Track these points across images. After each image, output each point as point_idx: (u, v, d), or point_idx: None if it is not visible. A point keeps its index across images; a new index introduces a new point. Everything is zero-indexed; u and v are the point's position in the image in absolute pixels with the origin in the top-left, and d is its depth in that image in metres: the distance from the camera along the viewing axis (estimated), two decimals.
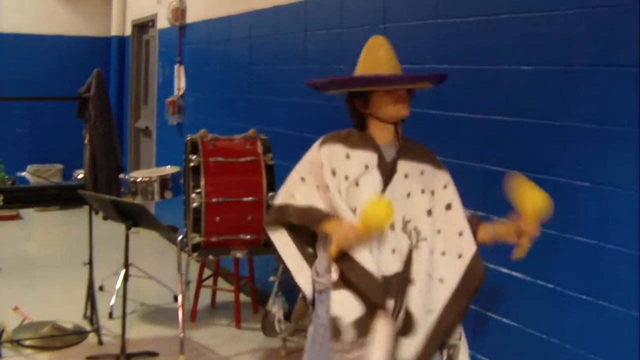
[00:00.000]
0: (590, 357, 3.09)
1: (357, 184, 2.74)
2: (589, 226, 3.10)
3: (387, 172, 2.79)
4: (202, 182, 4.95)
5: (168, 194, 5.50)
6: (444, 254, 2.80)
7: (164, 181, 5.45)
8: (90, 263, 5.22)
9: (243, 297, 5.67)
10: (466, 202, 3.65)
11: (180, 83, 7.96)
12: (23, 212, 8.99)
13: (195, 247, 4.99)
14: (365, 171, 2.76)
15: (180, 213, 5.53)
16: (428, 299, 2.74)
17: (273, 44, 5.91)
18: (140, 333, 5.37)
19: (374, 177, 2.77)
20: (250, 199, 4.98)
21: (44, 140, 10.27)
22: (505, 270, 3.52)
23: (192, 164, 5.00)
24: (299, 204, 2.78)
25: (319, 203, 2.75)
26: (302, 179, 2.82)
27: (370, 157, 2.79)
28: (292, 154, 5.29)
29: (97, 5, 10.89)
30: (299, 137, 5.31)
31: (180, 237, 5.33)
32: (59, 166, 10.15)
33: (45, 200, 5.82)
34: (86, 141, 5.76)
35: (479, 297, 3.66)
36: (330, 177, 2.75)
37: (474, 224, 2.89)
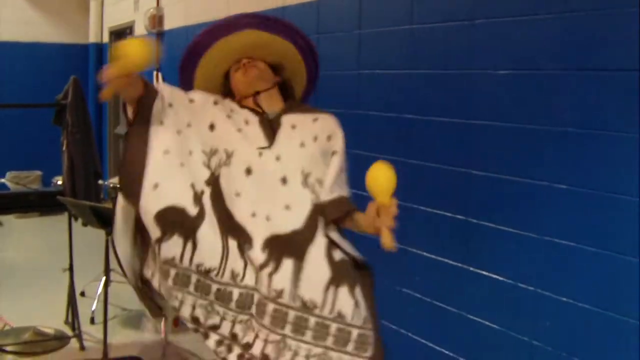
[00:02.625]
0: (562, 354, 3.15)
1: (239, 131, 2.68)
2: (567, 229, 3.14)
3: (271, 126, 2.71)
4: None
5: None
6: None
7: None
8: (71, 269, 5.22)
9: None
10: (448, 206, 3.72)
11: None
12: (2, 218, 8.94)
13: None
14: (245, 125, 2.71)
15: None
16: None
17: None
18: (123, 338, 5.38)
19: (255, 131, 2.69)
20: None
21: (23, 147, 10.24)
22: (485, 273, 3.57)
23: None
24: None
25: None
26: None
27: (249, 115, 2.73)
28: None
29: (74, 12, 10.88)
30: None
31: None
32: (38, 173, 10.11)
33: (24, 207, 5.82)
34: (64, 148, 5.78)
35: (455, 299, 3.74)
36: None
37: (344, 203, 2.71)
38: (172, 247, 2.59)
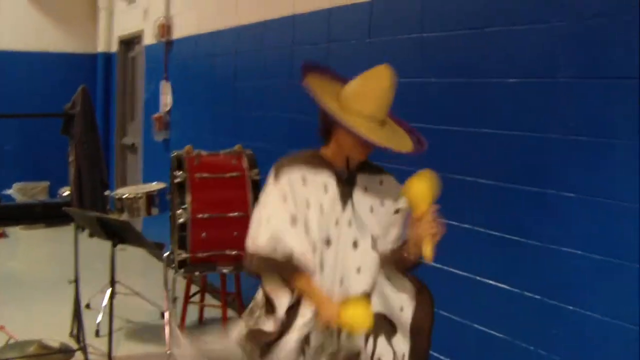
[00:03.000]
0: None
1: (322, 209, 2.66)
2: (575, 237, 3.10)
3: (347, 185, 2.73)
4: (188, 198, 4.93)
5: (154, 211, 5.48)
6: None
7: (150, 197, 5.42)
8: (76, 281, 5.17)
9: (231, 313, 5.62)
10: (456, 215, 3.67)
11: (166, 99, 7.93)
12: (9, 230, 8.92)
13: (182, 264, 4.96)
14: (324, 193, 2.68)
15: (167, 229, 5.50)
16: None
17: (259, 59, 5.90)
18: (127, 350, 5.33)
19: (333, 195, 2.69)
20: (236, 214, 4.95)
21: (30, 157, 10.23)
22: (492, 282, 3.50)
23: (177, 180, 4.98)
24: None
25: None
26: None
27: (327, 178, 2.71)
28: None
29: (83, 21, 10.88)
30: (285, 153, 5.27)
31: (166, 254, 5.30)
32: (45, 183, 10.10)
33: (31, 218, 5.79)
34: (71, 158, 5.74)
35: (461, 308, 3.68)
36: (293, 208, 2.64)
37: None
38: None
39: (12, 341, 5.23)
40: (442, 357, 3.80)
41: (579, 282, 3.08)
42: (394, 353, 2.76)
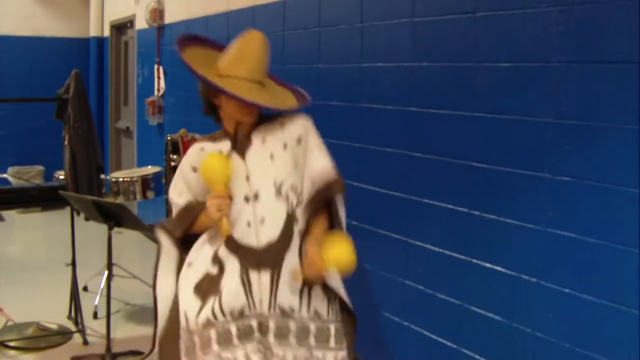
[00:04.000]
0: (565, 345, 3.15)
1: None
2: (569, 220, 3.12)
3: (242, 147, 2.84)
4: None
5: (150, 194, 5.53)
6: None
7: (145, 181, 5.48)
8: (74, 264, 5.23)
9: None
10: (452, 199, 3.72)
11: (159, 83, 7.97)
12: (5, 214, 8.97)
13: None
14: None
15: (162, 213, 5.55)
16: None
17: None
18: (125, 332, 5.39)
19: (233, 159, 2.85)
20: None
21: (25, 141, 10.24)
22: (487, 265, 3.57)
23: (173, 164, 5.03)
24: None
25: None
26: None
27: (224, 144, 2.87)
28: None
29: (75, 6, 10.87)
30: None
31: None
32: (40, 167, 10.13)
33: (26, 202, 5.83)
34: (66, 142, 5.77)
35: (457, 290, 3.74)
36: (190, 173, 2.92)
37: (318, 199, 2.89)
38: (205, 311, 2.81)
39: (10, 323, 5.30)
40: (439, 340, 3.84)
41: (575, 265, 3.10)
42: (329, 301, 2.88)
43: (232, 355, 2.77)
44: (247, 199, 2.78)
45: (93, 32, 10.70)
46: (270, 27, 5.55)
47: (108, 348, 4.61)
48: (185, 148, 5.09)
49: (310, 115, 3.00)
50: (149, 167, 6.00)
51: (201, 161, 2.78)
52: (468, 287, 3.68)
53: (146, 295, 6.00)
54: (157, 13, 7.94)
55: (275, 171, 2.79)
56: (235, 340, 2.78)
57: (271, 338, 2.76)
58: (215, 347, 2.75)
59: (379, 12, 4.27)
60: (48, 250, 7.61)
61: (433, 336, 3.86)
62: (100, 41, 10.66)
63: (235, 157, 2.82)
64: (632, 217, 2.84)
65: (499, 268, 3.49)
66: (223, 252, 2.80)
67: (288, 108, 2.86)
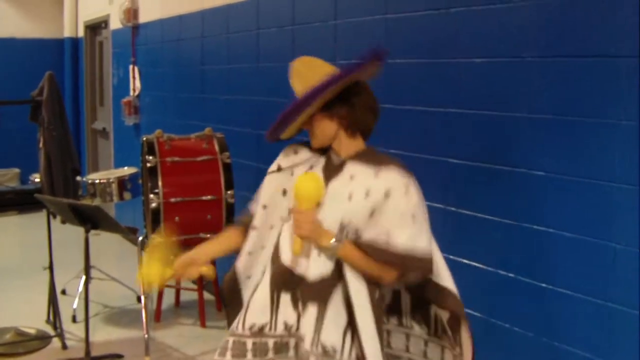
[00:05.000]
0: (542, 340, 3.17)
1: (292, 174, 2.76)
2: (545, 215, 3.14)
3: (331, 171, 2.71)
4: (160, 183, 4.97)
5: (127, 195, 5.50)
6: None
7: (122, 182, 5.44)
8: (51, 267, 5.19)
9: (207, 296, 5.68)
10: (427, 195, 3.71)
11: (135, 83, 7.94)
12: None
13: None
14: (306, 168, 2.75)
15: (140, 214, 5.53)
16: None
17: (225, 43, 5.92)
18: (105, 335, 5.36)
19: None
20: (209, 197, 5.00)
21: (0, 144, 10.16)
22: (465, 261, 3.57)
23: (149, 165, 5.01)
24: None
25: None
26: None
27: (317, 159, 2.75)
28: (249, 151, 5.35)
29: (48, 6, 10.79)
30: (255, 135, 5.34)
31: (140, 238, 5.34)
32: (16, 170, 10.05)
33: (2, 205, 5.78)
34: (41, 145, 5.73)
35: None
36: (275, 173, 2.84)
37: None
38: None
39: None
40: None
41: (551, 259, 3.12)
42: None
43: None
44: None
45: (67, 32, 10.64)
46: (244, 26, 5.55)
47: (87, 352, 4.57)
48: (162, 149, 5.06)
49: (411, 176, 2.70)
50: (126, 168, 5.96)
51: (300, 174, 2.67)
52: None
53: (125, 297, 6.00)
54: (131, 12, 7.90)
55: (349, 212, 2.63)
56: (249, 356, 2.76)
57: None
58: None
59: (351, 9, 4.27)
60: (25, 254, 7.56)
61: None
62: (75, 42, 10.59)
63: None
64: (611, 211, 2.87)
65: (475, 264, 3.52)
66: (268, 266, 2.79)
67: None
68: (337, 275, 2.64)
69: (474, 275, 3.51)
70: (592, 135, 2.92)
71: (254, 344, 2.75)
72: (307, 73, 2.70)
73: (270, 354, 2.73)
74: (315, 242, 2.61)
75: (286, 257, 2.71)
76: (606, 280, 2.88)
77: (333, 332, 2.64)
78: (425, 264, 2.62)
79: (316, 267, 2.65)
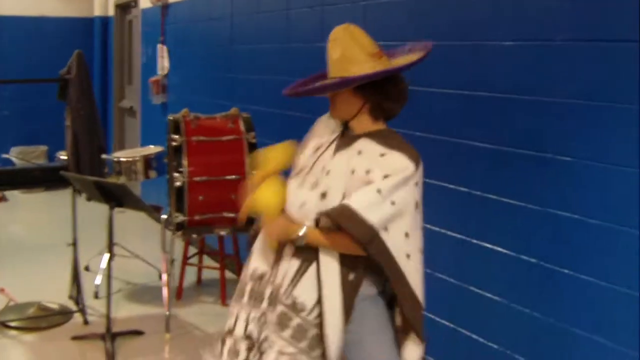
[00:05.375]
0: (563, 326, 3.13)
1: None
2: (571, 201, 3.10)
3: (343, 143, 2.77)
4: (185, 162, 4.96)
5: (152, 174, 5.51)
6: None
7: (147, 161, 5.45)
8: (75, 244, 5.22)
9: (228, 274, 5.68)
10: (450, 179, 3.69)
11: (163, 63, 7.93)
12: (8, 194, 8.96)
13: (179, 226, 5.00)
14: (326, 137, 2.84)
15: (164, 192, 5.53)
16: None
17: (255, 22, 5.89)
18: (126, 312, 5.38)
19: (330, 141, 2.82)
20: (233, 177, 4.98)
21: (28, 122, 10.21)
22: (488, 245, 3.54)
23: (174, 144, 5.00)
24: None
25: None
26: None
27: (335, 130, 2.84)
28: (275, 132, 5.32)
29: None
30: (281, 115, 5.31)
31: (164, 216, 5.34)
32: (44, 148, 10.12)
33: (29, 182, 5.82)
34: (68, 123, 5.75)
35: (458, 270, 3.71)
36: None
37: None
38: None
39: (12, 303, 5.30)
40: (436, 319, 3.83)
41: (576, 246, 3.08)
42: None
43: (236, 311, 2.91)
44: (313, 187, 2.74)
45: (97, 11, 10.65)
46: (274, 5, 5.53)
47: (108, 327, 4.59)
48: (188, 128, 5.05)
49: (418, 162, 2.68)
50: (151, 146, 5.97)
51: (258, 191, 2.83)
52: (468, 267, 3.68)
53: (147, 274, 6.03)
54: None
55: (349, 186, 2.67)
56: (246, 299, 2.86)
57: (273, 319, 2.73)
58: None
59: None
60: (50, 230, 7.58)
61: (431, 315, 3.84)
62: (105, 21, 10.61)
63: (330, 148, 2.78)
64: (636, 198, 2.82)
65: (498, 248, 3.49)
66: None
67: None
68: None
69: (498, 260, 3.48)
70: (622, 121, 2.86)
71: (251, 289, 2.85)
72: (349, 42, 2.71)
73: (264, 304, 2.77)
74: (288, 239, 2.72)
75: (292, 209, 2.78)
76: (633, 267, 2.83)
77: (307, 290, 2.70)
78: (358, 227, 2.57)
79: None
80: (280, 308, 2.72)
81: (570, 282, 3.10)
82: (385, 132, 2.76)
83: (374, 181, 2.61)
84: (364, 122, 2.75)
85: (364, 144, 2.71)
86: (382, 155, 2.66)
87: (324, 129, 2.88)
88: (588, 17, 3.00)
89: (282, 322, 2.71)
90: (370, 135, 2.73)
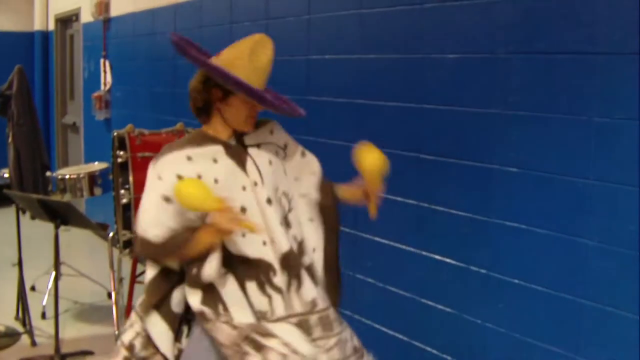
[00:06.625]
0: (515, 336, 3.17)
1: (216, 181, 2.63)
2: (519, 211, 3.15)
3: (238, 153, 2.72)
4: (131, 178, 4.91)
5: (97, 191, 5.44)
6: (304, 196, 2.88)
7: (92, 177, 5.39)
8: (20, 263, 5.14)
9: None
10: (400, 191, 3.72)
11: (106, 78, 7.85)
12: None
13: (127, 244, 4.95)
14: (215, 165, 2.67)
15: (111, 209, 5.46)
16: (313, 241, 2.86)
17: (198, 37, 5.87)
18: (75, 332, 5.30)
19: (228, 165, 2.68)
20: None
21: None
22: (437, 257, 3.57)
23: (119, 160, 4.95)
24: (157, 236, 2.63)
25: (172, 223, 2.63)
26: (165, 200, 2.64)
27: (214, 149, 2.69)
28: None
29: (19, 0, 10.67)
30: None
31: (111, 234, 5.28)
32: None
33: None
34: (10, 139, 5.66)
35: (408, 282, 3.74)
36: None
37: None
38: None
39: None
40: (389, 332, 3.85)
41: (523, 255, 3.13)
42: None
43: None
44: (269, 202, 2.69)
45: (37, 25, 10.50)
46: (217, 20, 5.50)
47: (57, 348, 4.53)
48: (133, 144, 5.00)
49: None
50: (96, 163, 5.90)
51: (177, 186, 2.54)
52: (418, 280, 3.70)
53: (95, 293, 5.95)
54: (103, 6, 7.81)
55: (274, 177, 2.74)
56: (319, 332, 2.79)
57: (317, 332, 2.73)
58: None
59: (326, 3, 4.25)
60: None
61: (383, 328, 3.88)
62: (45, 35, 10.46)
63: (234, 167, 2.69)
64: (579, 207, 2.88)
65: (448, 260, 3.52)
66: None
67: (301, 113, 2.78)
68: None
69: (447, 272, 3.51)
70: (566, 131, 2.92)
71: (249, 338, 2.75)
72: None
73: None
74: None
75: (253, 248, 2.68)
76: (579, 277, 2.89)
77: (311, 289, 2.74)
78: None
79: (285, 237, 2.71)
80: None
81: (519, 291, 3.15)
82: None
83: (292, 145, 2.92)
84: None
85: (251, 140, 2.78)
86: (271, 132, 2.85)
87: (207, 167, 2.69)
88: (533, 30, 3.06)
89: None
90: (251, 132, 2.78)
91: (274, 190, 2.73)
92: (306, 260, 2.78)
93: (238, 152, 2.72)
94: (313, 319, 2.70)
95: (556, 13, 2.96)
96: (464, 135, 3.40)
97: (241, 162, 2.70)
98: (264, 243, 2.66)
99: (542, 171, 3.03)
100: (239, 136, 2.76)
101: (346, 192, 2.91)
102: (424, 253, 3.64)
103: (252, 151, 2.75)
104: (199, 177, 2.61)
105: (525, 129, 3.09)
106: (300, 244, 2.78)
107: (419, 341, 3.70)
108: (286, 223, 2.75)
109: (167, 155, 2.67)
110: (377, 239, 3.90)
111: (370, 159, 2.73)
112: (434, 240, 3.59)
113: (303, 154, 2.93)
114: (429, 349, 3.64)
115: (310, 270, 2.77)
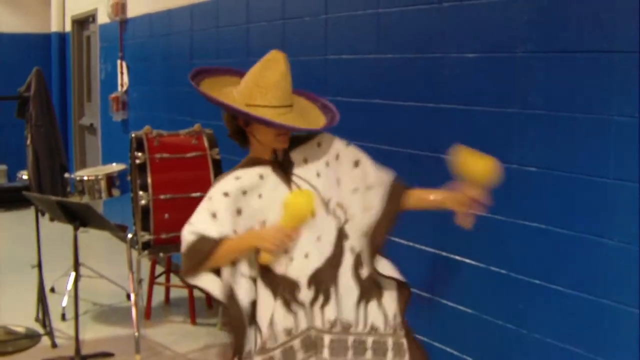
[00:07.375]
0: (535, 336, 3.15)
1: (260, 197, 2.65)
2: (538, 210, 3.13)
3: (284, 169, 2.73)
4: (149, 180, 4.92)
5: (116, 192, 5.46)
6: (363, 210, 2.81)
7: (110, 179, 5.40)
8: (40, 265, 5.16)
9: (197, 293, 5.64)
10: None
11: (123, 79, 7.88)
12: None
13: (146, 245, 4.97)
14: (261, 181, 2.68)
15: (129, 211, 5.48)
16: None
17: (215, 37, 5.88)
18: (94, 334, 5.32)
19: (273, 181, 2.69)
20: (198, 194, 4.94)
21: None
22: (457, 257, 3.56)
23: (138, 161, 4.97)
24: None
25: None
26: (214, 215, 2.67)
27: (263, 170, 2.71)
28: (238, 147, 5.30)
29: (35, 1, 10.72)
30: None
31: (130, 236, 5.30)
32: (3, 167, 9.99)
33: None
34: (28, 141, 5.69)
35: (430, 283, 3.73)
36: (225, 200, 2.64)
37: (399, 186, 2.86)
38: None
39: None
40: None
41: (544, 256, 3.11)
42: (385, 316, 2.79)
43: None
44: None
45: (54, 27, 10.56)
46: (233, 20, 5.51)
47: (77, 350, 4.55)
48: (151, 145, 5.02)
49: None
50: (114, 164, 5.92)
51: (289, 194, 2.62)
52: (440, 280, 3.69)
53: (114, 294, 5.97)
54: (119, 7, 7.83)
55: (323, 188, 2.73)
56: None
57: (325, 353, 2.73)
58: None
59: (342, 3, 4.23)
60: (13, 251, 7.48)
61: None
62: (62, 36, 10.51)
63: (278, 182, 2.70)
64: (600, 207, 2.84)
65: (468, 260, 3.51)
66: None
67: (322, 128, 2.75)
68: (338, 254, 2.74)
69: (467, 272, 3.50)
70: (585, 130, 2.90)
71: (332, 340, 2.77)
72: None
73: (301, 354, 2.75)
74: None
75: (280, 266, 2.68)
76: (600, 276, 2.87)
77: (346, 308, 2.74)
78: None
79: (320, 251, 2.71)
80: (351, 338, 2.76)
81: (540, 292, 3.13)
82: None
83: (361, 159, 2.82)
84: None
85: (298, 155, 2.77)
86: (319, 145, 2.81)
87: (253, 183, 2.71)
88: (552, 29, 3.03)
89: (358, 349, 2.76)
90: (291, 145, 2.75)
91: (325, 203, 2.72)
92: (364, 273, 2.77)
93: (284, 168, 2.73)
94: (326, 338, 2.72)
95: (575, 11, 2.93)
96: (482, 135, 3.38)
97: (286, 178, 2.72)
98: (291, 259, 2.67)
99: (561, 171, 3.01)
100: (285, 153, 2.76)
101: (439, 194, 2.83)
102: (443, 253, 3.62)
103: (298, 166, 2.75)
104: (244, 192, 2.64)
105: (544, 129, 3.07)
106: (358, 257, 2.77)
107: (438, 342, 3.68)
108: (343, 235, 2.75)
109: (220, 180, 2.73)
110: (395, 239, 3.88)
111: (482, 164, 2.59)
112: (454, 240, 3.57)
113: (356, 164, 2.82)
114: (449, 349, 3.63)
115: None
